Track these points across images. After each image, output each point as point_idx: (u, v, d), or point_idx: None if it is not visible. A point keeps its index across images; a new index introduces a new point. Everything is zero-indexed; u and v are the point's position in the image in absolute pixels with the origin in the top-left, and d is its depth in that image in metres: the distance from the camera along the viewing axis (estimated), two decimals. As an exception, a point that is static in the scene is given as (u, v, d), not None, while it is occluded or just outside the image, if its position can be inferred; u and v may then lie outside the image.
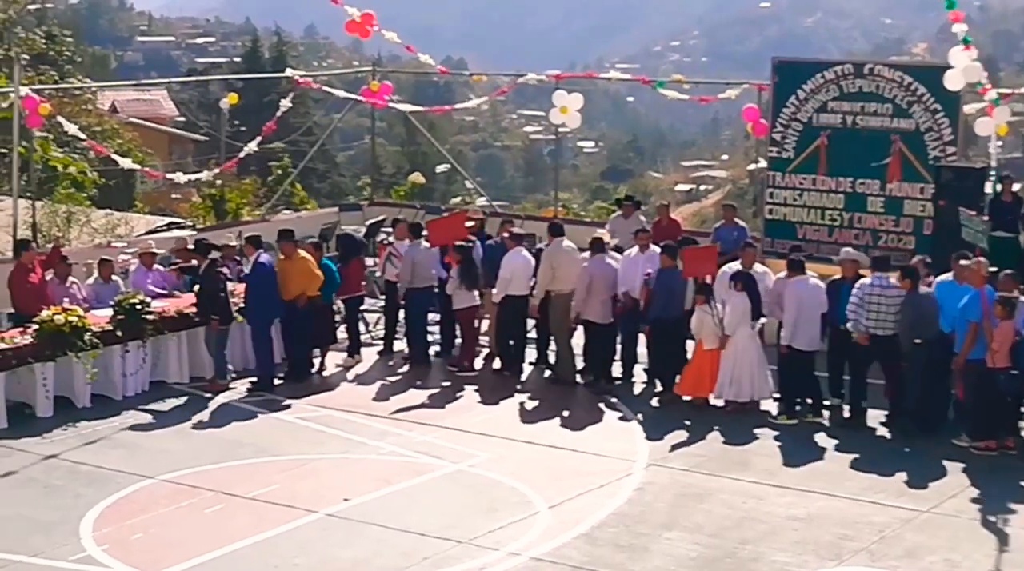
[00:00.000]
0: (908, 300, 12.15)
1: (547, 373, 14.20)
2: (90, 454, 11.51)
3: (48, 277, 13.84)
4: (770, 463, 11.46)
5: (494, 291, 14.19)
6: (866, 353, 12.42)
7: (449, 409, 13.04)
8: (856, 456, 11.58)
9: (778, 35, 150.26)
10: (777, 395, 12.87)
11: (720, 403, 12.89)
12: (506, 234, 14.63)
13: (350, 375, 14.24)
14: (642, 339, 13.79)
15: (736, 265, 13.29)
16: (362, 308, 15.68)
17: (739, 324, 12.72)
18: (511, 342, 14.25)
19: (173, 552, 9.32)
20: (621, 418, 12.74)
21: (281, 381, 13.71)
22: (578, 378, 13.84)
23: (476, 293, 14.25)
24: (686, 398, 13.06)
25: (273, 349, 13.83)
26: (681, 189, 74.38)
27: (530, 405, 13.20)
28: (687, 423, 12.43)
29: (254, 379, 13.62)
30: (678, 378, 13.27)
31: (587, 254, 13.84)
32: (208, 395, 13.28)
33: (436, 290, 14.68)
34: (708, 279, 13.14)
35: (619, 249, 14.44)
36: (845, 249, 13.61)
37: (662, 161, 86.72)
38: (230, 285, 13.97)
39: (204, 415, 12.74)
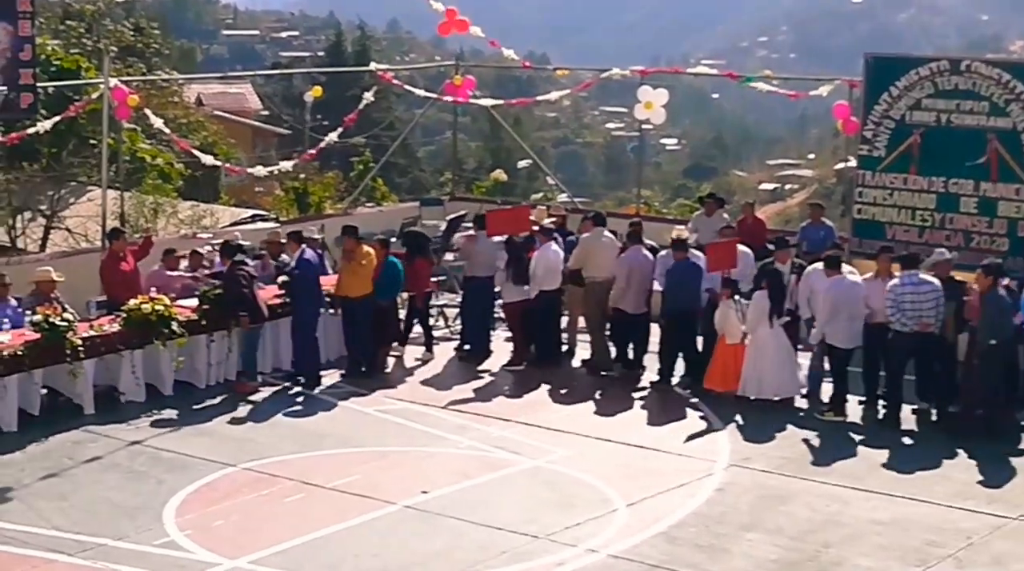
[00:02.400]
0: (987, 299, 11.88)
1: (578, 363, 14.28)
2: (173, 441, 11.68)
3: (156, 267, 14.13)
4: (854, 466, 11.24)
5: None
6: (904, 351, 12.29)
7: (527, 405, 13.00)
8: (943, 461, 11.31)
9: (869, 31, 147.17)
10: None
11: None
12: (537, 228, 14.57)
13: (428, 370, 14.27)
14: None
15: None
16: (442, 303, 15.70)
17: (759, 322, 12.63)
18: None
19: (254, 539, 9.42)
20: (702, 417, 12.58)
21: (346, 376, 13.65)
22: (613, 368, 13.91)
23: (525, 287, 14.19)
24: (719, 391, 13.03)
25: (318, 346, 13.66)
26: (765, 188, 73.54)
27: (608, 402, 13.11)
28: (769, 424, 12.25)
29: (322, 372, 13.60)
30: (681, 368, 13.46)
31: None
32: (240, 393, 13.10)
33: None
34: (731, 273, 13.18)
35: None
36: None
37: (746, 159, 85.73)
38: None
39: (285, 405, 12.86)
